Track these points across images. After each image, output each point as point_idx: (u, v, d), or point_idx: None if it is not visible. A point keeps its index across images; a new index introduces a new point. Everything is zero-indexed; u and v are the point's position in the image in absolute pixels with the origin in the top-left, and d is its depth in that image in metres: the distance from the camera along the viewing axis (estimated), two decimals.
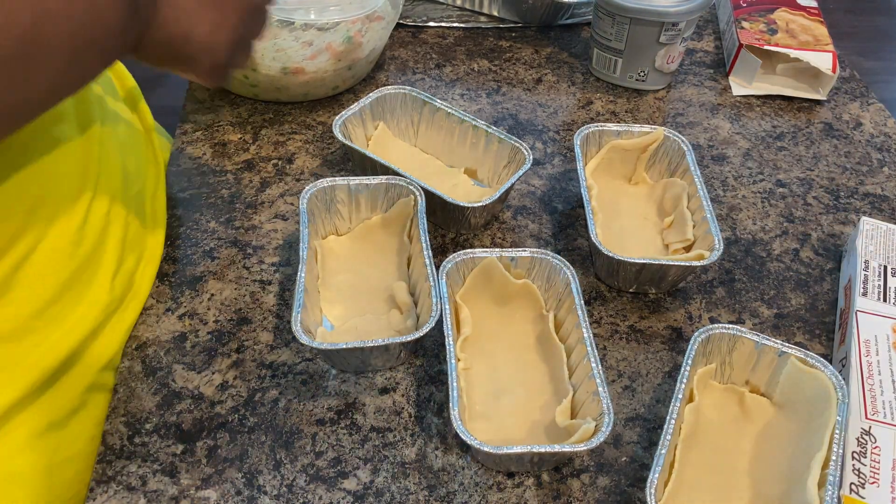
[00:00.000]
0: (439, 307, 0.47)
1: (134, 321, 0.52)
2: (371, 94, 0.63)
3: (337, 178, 0.55)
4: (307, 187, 0.54)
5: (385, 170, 0.57)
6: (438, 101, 0.62)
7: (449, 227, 0.59)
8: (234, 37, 0.41)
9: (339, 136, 0.59)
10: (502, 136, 0.59)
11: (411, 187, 0.55)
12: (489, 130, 0.60)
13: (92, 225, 0.47)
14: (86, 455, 0.47)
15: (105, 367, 0.49)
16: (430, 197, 0.55)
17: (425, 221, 0.53)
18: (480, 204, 0.54)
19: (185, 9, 0.38)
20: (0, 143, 0.35)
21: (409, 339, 0.45)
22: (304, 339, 0.44)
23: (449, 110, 0.62)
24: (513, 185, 0.57)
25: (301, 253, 0.50)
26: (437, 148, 0.64)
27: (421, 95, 0.63)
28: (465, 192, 0.60)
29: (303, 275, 0.48)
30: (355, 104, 0.62)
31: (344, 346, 0.45)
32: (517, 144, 0.59)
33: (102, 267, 0.48)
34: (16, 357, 0.43)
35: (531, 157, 0.58)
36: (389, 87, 0.64)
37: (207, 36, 0.39)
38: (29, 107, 0.33)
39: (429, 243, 0.51)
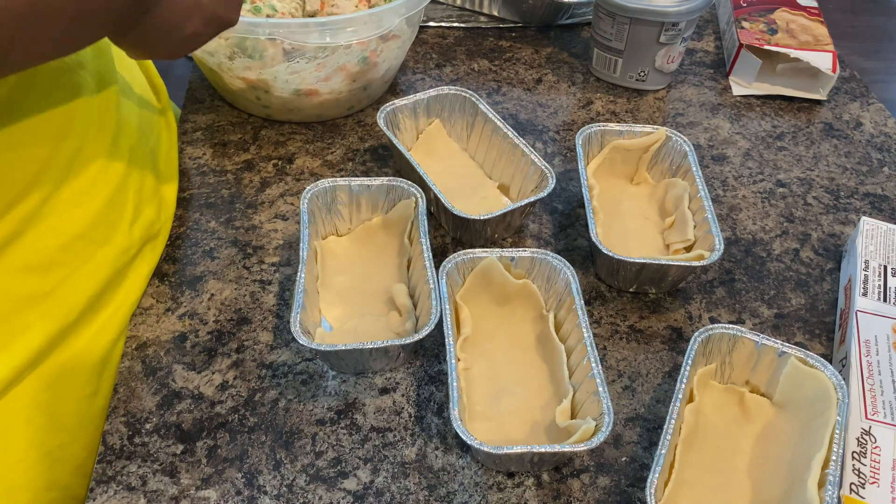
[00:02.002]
0: (439, 310, 0.47)
1: (152, 269, 0.55)
2: (429, 91, 0.64)
3: (338, 179, 0.55)
4: (308, 187, 0.54)
5: (411, 170, 0.57)
6: (491, 112, 0.62)
7: (460, 235, 0.58)
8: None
9: (383, 127, 0.60)
10: (535, 160, 0.58)
11: (412, 189, 0.55)
12: (525, 151, 0.59)
13: (114, 169, 0.50)
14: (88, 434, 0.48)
15: (120, 334, 0.51)
16: (438, 202, 0.55)
17: (426, 223, 0.53)
18: (477, 217, 0.54)
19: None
20: (27, 79, 0.41)
21: (407, 341, 0.45)
22: (302, 339, 0.44)
23: (497, 123, 0.61)
24: (519, 208, 0.55)
25: (301, 253, 0.50)
26: (482, 157, 0.64)
27: (479, 103, 0.63)
28: (488, 207, 0.59)
29: (302, 275, 0.48)
30: (410, 97, 0.63)
31: (343, 348, 0.45)
32: (546, 170, 0.57)
33: (124, 212, 0.51)
34: (44, 288, 0.45)
35: (552, 185, 0.56)
36: (448, 87, 0.64)
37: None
38: (33, 62, 0.35)
39: (429, 245, 0.51)
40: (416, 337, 0.45)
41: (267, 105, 0.67)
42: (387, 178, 0.56)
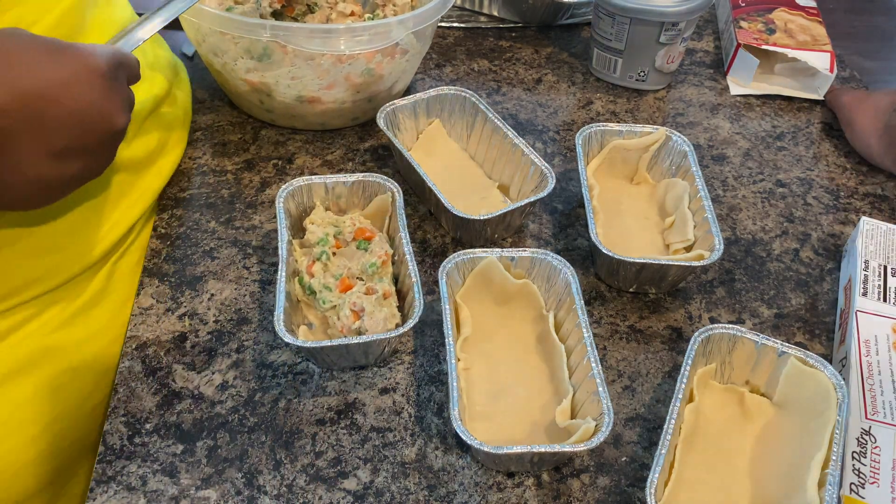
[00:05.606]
0: (421, 302, 0.47)
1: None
2: (429, 91, 0.64)
3: (313, 178, 0.55)
4: (283, 186, 0.54)
5: (411, 170, 0.58)
6: (491, 112, 0.62)
7: (460, 235, 0.58)
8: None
9: (383, 127, 0.60)
10: (535, 160, 0.58)
11: (388, 184, 0.55)
12: (525, 151, 0.59)
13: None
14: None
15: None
16: (438, 202, 0.55)
17: (405, 217, 0.53)
18: (477, 217, 0.54)
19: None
20: None
21: (391, 335, 0.46)
22: (287, 338, 0.44)
23: (497, 123, 0.61)
24: (519, 208, 0.55)
25: (280, 252, 0.50)
26: (482, 157, 0.64)
27: (479, 103, 0.63)
28: (488, 207, 0.59)
29: (283, 274, 0.48)
30: (410, 97, 0.63)
31: (328, 344, 0.45)
32: (546, 170, 0.57)
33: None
34: (144, 182, 0.57)
35: (552, 185, 0.56)
36: (448, 87, 0.64)
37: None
38: None
39: (409, 238, 0.51)
40: (400, 331, 0.46)
41: (270, 109, 0.66)
42: (361, 174, 0.55)
